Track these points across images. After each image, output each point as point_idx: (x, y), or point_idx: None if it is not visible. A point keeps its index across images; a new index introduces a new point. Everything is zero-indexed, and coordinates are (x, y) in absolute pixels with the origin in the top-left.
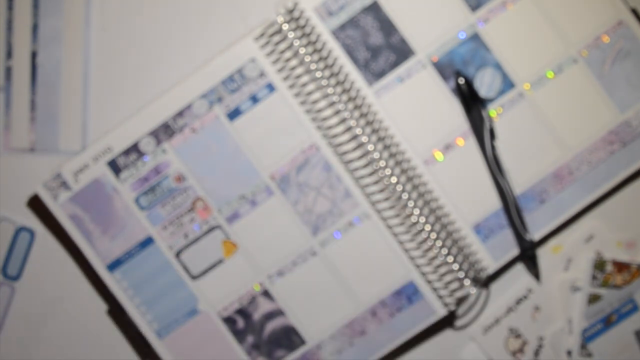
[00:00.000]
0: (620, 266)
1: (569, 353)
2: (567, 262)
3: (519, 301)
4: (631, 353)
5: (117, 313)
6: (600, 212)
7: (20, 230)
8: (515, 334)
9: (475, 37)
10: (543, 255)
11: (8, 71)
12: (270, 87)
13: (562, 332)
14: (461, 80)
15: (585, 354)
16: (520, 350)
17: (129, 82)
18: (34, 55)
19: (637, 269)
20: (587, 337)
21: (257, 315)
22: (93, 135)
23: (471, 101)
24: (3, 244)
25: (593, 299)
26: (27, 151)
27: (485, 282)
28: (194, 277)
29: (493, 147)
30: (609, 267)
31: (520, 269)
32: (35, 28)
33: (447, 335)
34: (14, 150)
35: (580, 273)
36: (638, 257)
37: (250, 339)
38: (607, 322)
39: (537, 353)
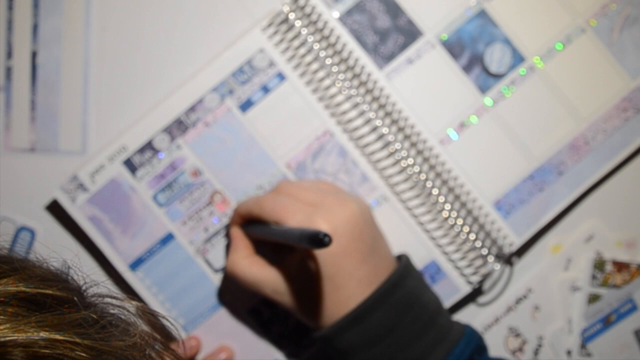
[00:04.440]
0: (620, 266)
1: (569, 353)
2: (567, 261)
3: (518, 300)
4: (630, 352)
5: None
6: (601, 211)
7: (20, 230)
8: (514, 333)
9: (482, 14)
10: (543, 255)
11: (8, 71)
12: (281, 77)
13: (562, 331)
14: None
15: (585, 354)
16: (520, 349)
17: (130, 82)
18: (34, 55)
19: (637, 268)
20: (587, 337)
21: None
22: (93, 135)
23: None
24: (3, 244)
25: (593, 298)
26: (27, 151)
27: (509, 257)
28: (216, 271)
29: None
30: (609, 267)
31: (520, 269)
32: (35, 28)
33: None
34: (14, 150)
35: (580, 273)
36: (638, 257)
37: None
38: (607, 322)
39: (536, 352)
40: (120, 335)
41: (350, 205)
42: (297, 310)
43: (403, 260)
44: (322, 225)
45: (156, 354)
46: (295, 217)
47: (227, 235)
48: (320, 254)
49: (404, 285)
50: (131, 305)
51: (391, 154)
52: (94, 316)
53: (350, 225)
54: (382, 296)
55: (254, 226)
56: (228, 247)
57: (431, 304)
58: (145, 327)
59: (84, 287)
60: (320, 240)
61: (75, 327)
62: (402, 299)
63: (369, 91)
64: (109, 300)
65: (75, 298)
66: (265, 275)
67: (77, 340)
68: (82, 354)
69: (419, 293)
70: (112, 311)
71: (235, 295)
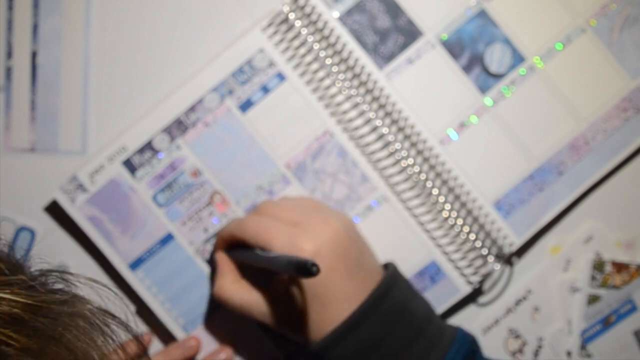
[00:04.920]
0: (620, 267)
1: (569, 354)
2: (566, 263)
3: (518, 302)
4: (630, 353)
5: (144, 313)
6: (600, 212)
7: (20, 230)
8: (514, 334)
9: (482, 14)
10: (542, 256)
11: (8, 71)
12: (281, 77)
13: (562, 332)
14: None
15: (585, 355)
16: (520, 350)
17: (130, 82)
18: (34, 55)
19: (636, 269)
20: (587, 338)
21: None
22: (93, 135)
23: None
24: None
25: (592, 299)
26: (27, 151)
27: (509, 257)
28: None
29: None
30: (608, 268)
31: (519, 271)
32: (35, 28)
33: None
34: (14, 150)
35: (579, 274)
36: (637, 257)
37: None
38: (606, 323)
39: (536, 354)
40: (59, 296)
41: (333, 223)
42: (288, 331)
43: (389, 270)
44: (306, 246)
45: (106, 326)
46: (278, 239)
47: (211, 260)
48: None
49: (392, 296)
50: (80, 281)
51: (391, 154)
52: (24, 277)
53: (334, 243)
54: (369, 308)
55: (239, 251)
56: (213, 272)
57: (420, 312)
58: (96, 304)
59: (21, 261)
60: (308, 269)
61: (4, 285)
62: (391, 308)
63: (369, 91)
64: (55, 275)
65: (1, 265)
66: (252, 300)
67: (7, 296)
68: (16, 310)
69: (407, 302)
70: (57, 286)
71: None
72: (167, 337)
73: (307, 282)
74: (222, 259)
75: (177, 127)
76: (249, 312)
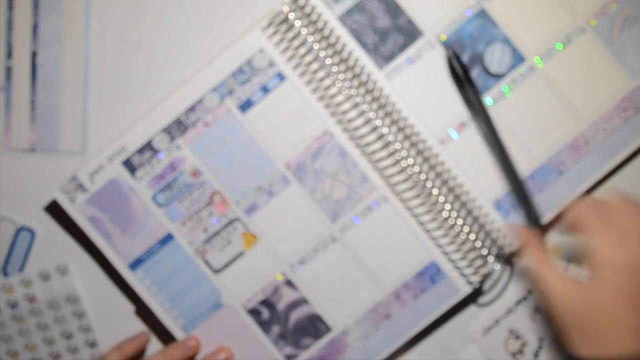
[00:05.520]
0: None
1: None
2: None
3: (518, 302)
4: None
5: (144, 313)
6: None
7: (20, 230)
8: (514, 335)
9: (482, 13)
10: None
11: (8, 71)
12: (280, 77)
13: None
14: (449, 52)
15: None
16: (520, 351)
17: (130, 82)
18: (34, 55)
19: None
20: None
21: (281, 305)
22: (93, 135)
23: (464, 79)
24: (3, 244)
25: None
26: (27, 151)
27: (509, 257)
28: (216, 271)
29: (491, 127)
30: None
31: (520, 270)
32: (35, 28)
33: (447, 336)
34: (14, 150)
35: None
36: None
37: (276, 329)
38: None
39: (536, 354)
40: None
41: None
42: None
43: None
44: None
45: None
46: (592, 232)
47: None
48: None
49: None
50: None
51: (391, 154)
52: None
53: (632, 270)
54: None
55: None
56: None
57: None
58: None
59: None
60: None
61: None
62: None
63: (369, 91)
64: None
65: None
66: (567, 292)
67: None
68: None
69: None
70: None
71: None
72: (167, 337)
73: (595, 292)
74: (542, 255)
75: (177, 127)
76: (553, 302)
